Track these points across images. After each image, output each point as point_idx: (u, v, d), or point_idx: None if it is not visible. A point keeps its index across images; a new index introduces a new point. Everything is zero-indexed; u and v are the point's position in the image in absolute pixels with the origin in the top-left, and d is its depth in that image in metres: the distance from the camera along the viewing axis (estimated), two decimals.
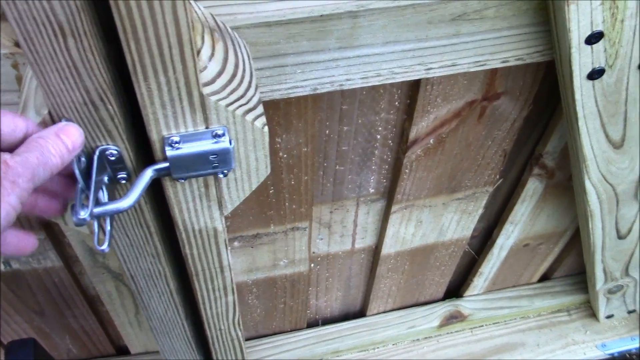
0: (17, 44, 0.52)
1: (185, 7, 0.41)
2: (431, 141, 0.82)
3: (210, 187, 0.57)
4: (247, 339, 1.18)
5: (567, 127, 0.79)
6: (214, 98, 0.49)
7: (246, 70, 0.53)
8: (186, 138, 0.50)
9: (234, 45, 0.53)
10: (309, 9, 0.56)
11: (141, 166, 0.52)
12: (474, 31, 0.64)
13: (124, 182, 0.53)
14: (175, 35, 0.43)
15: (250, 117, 0.52)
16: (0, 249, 0.46)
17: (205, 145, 0.51)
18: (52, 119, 0.48)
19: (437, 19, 0.61)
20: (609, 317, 1.26)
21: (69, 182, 0.52)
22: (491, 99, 0.78)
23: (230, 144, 0.52)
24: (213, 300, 0.75)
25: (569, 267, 1.28)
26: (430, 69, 0.67)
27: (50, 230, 0.80)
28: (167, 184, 0.55)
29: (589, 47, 0.65)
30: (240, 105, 0.51)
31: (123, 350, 1.15)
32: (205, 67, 0.48)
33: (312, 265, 1.03)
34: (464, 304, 1.26)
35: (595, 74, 0.68)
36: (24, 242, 0.48)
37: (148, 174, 0.51)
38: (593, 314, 1.27)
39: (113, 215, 0.51)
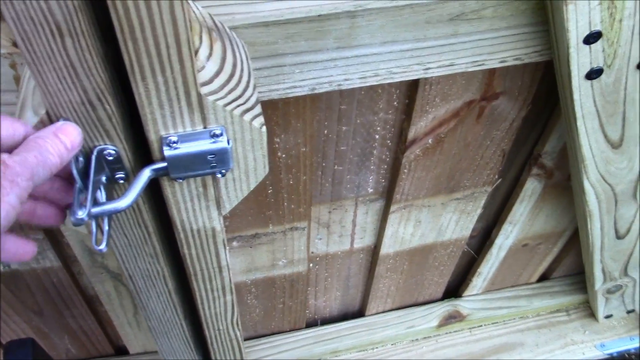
0: (15, 44, 0.52)
1: (182, 7, 0.41)
2: (430, 141, 0.82)
3: (208, 187, 0.57)
4: (246, 339, 1.18)
5: (565, 127, 0.79)
6: (211, 98, 0.49)
7: (244, 70, 0.53)
8: (184, 138, 0.50)
9: (232, 45, 0.53)
10: (307, 9, 0.56)
11: (139, 166, 0.52)
12: (472, 31, 0.64)
13: (122, 182, 0.53)
14: (172, 35, 0.43)
15: (248, 116, 0.52)
16: (0, 254, 0.46)
17: (203, 145, 0.51)
18: (49, 119, 0.48)
19: (435, 19, 0.61)
20: (607, 317, 1.26)
21: (69, 188, 0.52)
22: (490, 99, 0.78)
23: (228, 143, 0.52)
24: (211, 300, 0.75)
25: (568, 267, 1.28)
26: (429, 68, 0.67)
27: (48, 230, 0.80)
28: (165, 184, 0.55)
29: (587, 46, 0.65)
30: (238, 105, 0.51)
31: (122, 351, 1.15)
32: (203, 67, 0.48)
33: (311, 265, 1.03)
34: (463, 304, 1.26)
35: (593, 74, 0.68)
36: (23, 249, 0.48)
37: (146, 174, 0.51)
38: (592, 314, 1.27)
39: (111, 215, 0.51)
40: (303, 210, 0.86)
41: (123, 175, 0.53)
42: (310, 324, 1.22)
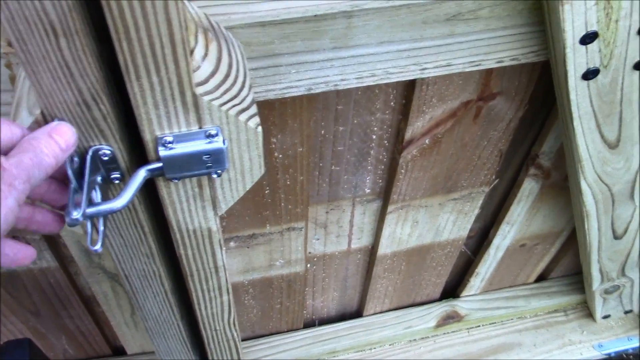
0: (10, 44, 0.52)
1: (177, 7, 0.41)
2: (427, 141, 0.82)
3: (204, 187, 0.57)
4: (243, 339, 1.18)
5: (562, 128, 0.79)
6: (207, 98, 0.48)
7: (240, 70, 0.53)
8: (179, 138, 0.50)
9: (227, 45, 0.53)
10: (303, 9, 0.56)
11: (134, 166, 0.52)
12: (468, 31, 0.64)
13: (117, 182, 0.53)
14: (167, 35, 0.43)
15: (243, 117, 0.52)
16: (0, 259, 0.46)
17: (199, 145, 0.51)
18: (44, 119, 0.48)
19: (431, 19, 0.61)
20: (605, 317, 1.26)
21: (65, 190, 0.51)
22: (487, 99, 0.78)
23: (224, 144, 0.52)
24: (208, 300, 0.75)
25: (566, 268, 1.28)
26: (425, 69, 0.67)
27: None
28: (161, 184, 0.55)
29: (583, 47, 0.65)
30: (234, 105, 0.51)
31: (119, 351, 1.14)
32: (198, 67, 0.48)
33: (309, 265, 1.03)
34: (461, 304, 1.26)
35: (590, 74, 0.68)
36: (23, 253, 0.48)
37: (141, 174, 0.51)
38: (590, 314, 1.27)
39: (106, 215, 0.51)
40: (300, 210, 0.86)
41: (118, 176, 0.53)
42: (308, 325, 1.22)
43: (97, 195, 0.51)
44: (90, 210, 0.49)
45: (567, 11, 0.61)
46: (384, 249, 1.02)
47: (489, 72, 0.74)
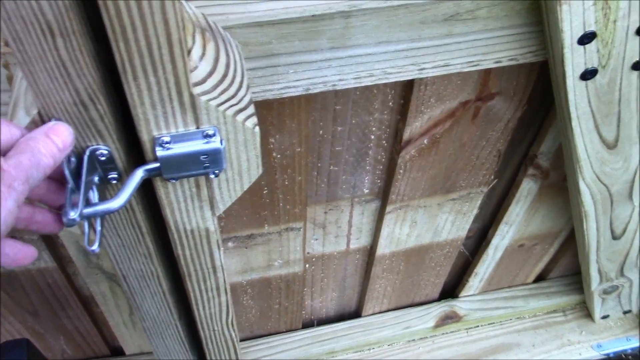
0: (7, 44, 0.52)
1: (174, 7, 0.41)
2: (425, 141, 0.81)
3: (201, 187, 0.56)
4: (242, 340, 1.18)
5: (561, 128, 0.79)
6: (204, 98, 0.48)
7: (237, 70, 0.52)
8: (177, 138, 0.50)
9: (225, 45, 0.53)
10: (301, 9, 0.56)
11: (132, 166, 0.52)
12: (466, 31, 0.64)
13: (114, 182, 0.53)
14: (164, 35, 0.43)
15: (241, 117, 0.52)
16: (0, 259, 0.46)
17: (196, 145, 0.51)
18: (42, 119, 0.48)
19: (429, 19, 0.61)
20: (604, 317, 1.26)
21: (63, 190, 0.51)
22: (485, 99, 0.78)
23: (221, 144, 0.51)
24: (206, 300, 0.74)
25: (564, 268, 1.28)
26: (423, 69, 0.67)
27: None
28: (158, 184, 0.55)
29: (581, 47, 0.65)
30: (231, 106, 0.51)
31: (118, 351, 1.14)
32: (195, 67, 0.48)
33: (307, 265, 1.03)
34: (460, 305, 1.26)
35: (588, 75, 0.68)
36: (23, 253, 0.48)
37: (139, 174, 0.51)
38: (588, 315, 1.27)
39: (104, 215, 0.51)
40: (299, 210, 0.86)
41: (116, 176, 0.53)
42: (307, 325, 1.22)
43: (94, 196, 0.51)
44: (88, 210, 0.49)
45: (565, 11, 0.61)
46: (382, 249, 1.02)
47: (487, 72, 0.74)
